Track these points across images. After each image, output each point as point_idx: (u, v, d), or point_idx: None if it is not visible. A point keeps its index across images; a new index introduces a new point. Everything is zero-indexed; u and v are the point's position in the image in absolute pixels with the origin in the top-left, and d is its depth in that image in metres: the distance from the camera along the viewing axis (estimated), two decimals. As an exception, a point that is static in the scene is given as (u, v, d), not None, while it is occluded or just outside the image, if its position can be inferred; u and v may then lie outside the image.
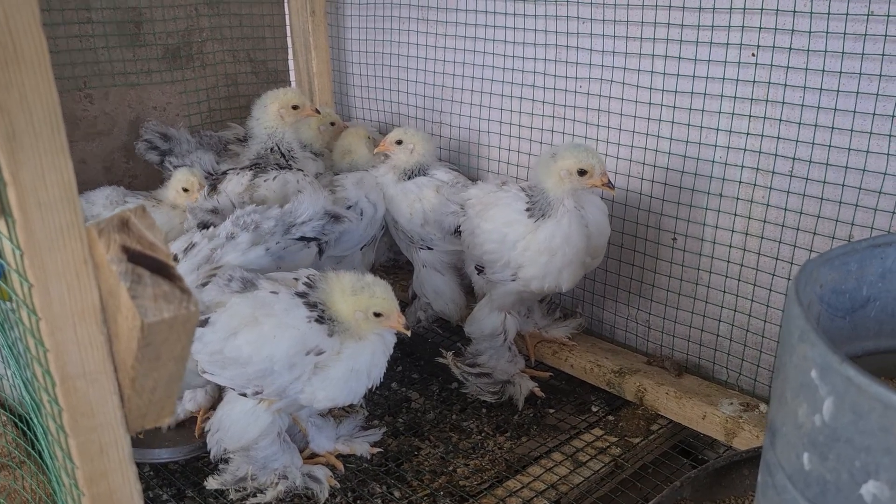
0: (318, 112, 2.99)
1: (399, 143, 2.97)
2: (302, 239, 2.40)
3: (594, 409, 2.76)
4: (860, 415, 1.03)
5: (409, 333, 2.15)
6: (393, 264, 3.56)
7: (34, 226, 1.05)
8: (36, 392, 1.28)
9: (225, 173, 2.83)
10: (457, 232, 2.84)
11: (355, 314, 2.09)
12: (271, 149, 2.89)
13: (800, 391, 1.17)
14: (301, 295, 2.11)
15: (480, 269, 2.74)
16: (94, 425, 1.16)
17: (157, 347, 1.09)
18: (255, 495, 2.26)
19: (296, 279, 2.17)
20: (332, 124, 3.40)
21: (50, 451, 1.35)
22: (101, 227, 1.10)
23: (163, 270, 1.10)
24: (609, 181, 2.41)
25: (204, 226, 2.43)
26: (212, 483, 2.29)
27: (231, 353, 2.04)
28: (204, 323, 2.05)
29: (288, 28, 3.77)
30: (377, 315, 2.10)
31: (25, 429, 1.89)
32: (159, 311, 1.06)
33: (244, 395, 2.14)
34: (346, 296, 2.09)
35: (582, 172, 2.40)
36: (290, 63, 3.86)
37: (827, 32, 2.18)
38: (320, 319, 2.08)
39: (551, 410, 2.76)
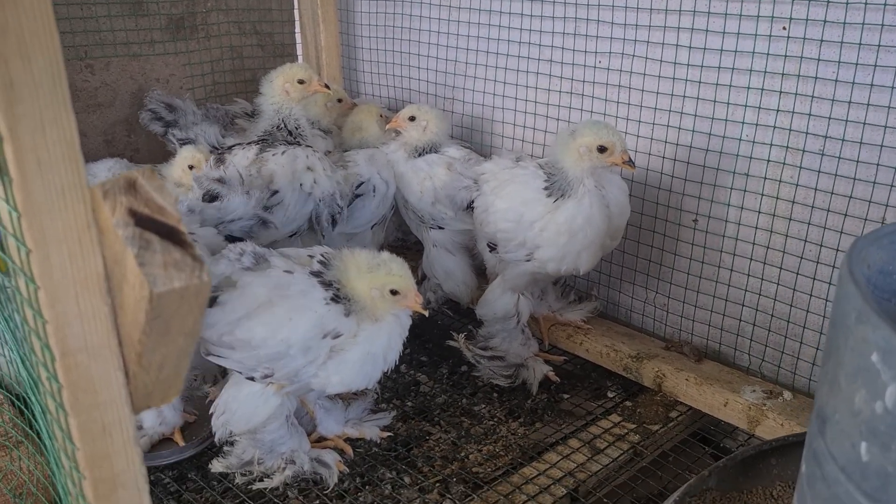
0: (327, 87, 2.86)
1: (412, 119, 2.88)
2: (229, 238, 2.28)
3: (610, 394, 2.67)
4: (932, 401, 0.95)
5: (426, 313, 2.08)
6: (402, 244, 3.47)
7: (33, 186, 0.96)
8: (34, 368, 1.19)
9: (230, 148, 2.73)
10: (469, 207, 2.75)
11: (371, 292, 2.01)
12: (278, 126, 2.78)
13: (857, 376, 1.09)
14: (316, 274, 2.03)
15: (493, 247, 2.64)
16: (96, 403, 1.07)
17: (167, 320, 1.01)
18: (261, 480, 2.18)
19: (310, 256, 2.09)
20: (340, 101, 3.31)
21: (49, 432, 1.26)
22: (106, 189, 1.02)
23: (173, 236, 1.01)
24: (630, 159, 2.32)
25: (210, 197, 2.34)
26: (216, 466, 2.21)
27: (243, 335, 1.95)
28: (212, 302, 1.96)
29: (295, 0, 3.66)
30: (393, 293, 2.02)
31: (23, 408, 1.82)
32: (170, 280, 0.97)
33: (251, 378, 2.05)
34: (362, 273, 2.02)
35: (602, 149, 2.31)
36: (298, 36, 3.75)
37: (865, 4, 2.08)
38: (336, 299, 2.00)
39: (566, 395, 2.68)
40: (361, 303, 2.02)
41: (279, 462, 2.18)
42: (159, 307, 0.98)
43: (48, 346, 1.04)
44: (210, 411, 2.19)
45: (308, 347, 1.98)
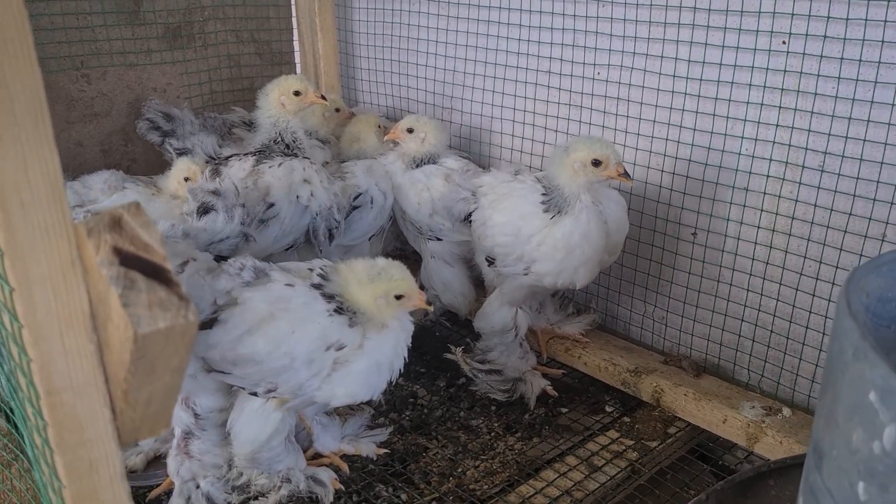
0: (323, 99, 2.84)
1: (410, 131, 2.86)
2: (218, 258, 2.27)
3: (608, 409, 2.66)
4: (930, 445, 0.93)
5: (431, 309, 2.12)
6: (400, 254, 3.45)
7: (16, 225, 0.95)
8: (21, 404, 1.18)
9: (227, 159, 2.71)
10: (467, 219, 2.73)
11: (376, 301, 2.01)
12: (275, 140, 2.75)
13: (854, 413, 1.07)
14: (317, 286, 2.02)
15: (491, 261, 2.63)
16: (82, 441, 1.06)
17: (152, 360, 0.99)
18: (256, 498, 2.16)
19: (310, 270, 2.08)
20: (338, 110, 3.29)
21: (37, 467, 1.25)
22: (90, 226, 1.00)
23: (159, 275, 0.99)
24: (625, 171, 2.31)
25: (204, 209, 2.32)
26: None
27: (245, 350, 1.94)
28: (211, 323, 1.95)
29: (293, 8, 3.64)
30: (398, 297, 2.02)
31: (13, 430, 1.80)
32: (154, 321, 0.95)
33: (254, 393, 2.03)
34: (364, 284, 2.01)
35: (596, 163, 2.31)
36: (296, 44, 3.73)
37: (866, 20, 2.06)
38: (339, 311, 1.99)
39: (564, 410, 2.66)
40: (366, 313, 2.02)
41: (275, 480, 2.16)
42: (144, 348, 0.96)
43: (33, 384, 1.03)
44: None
45: (311, 360, 1.96)
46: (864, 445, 1.04)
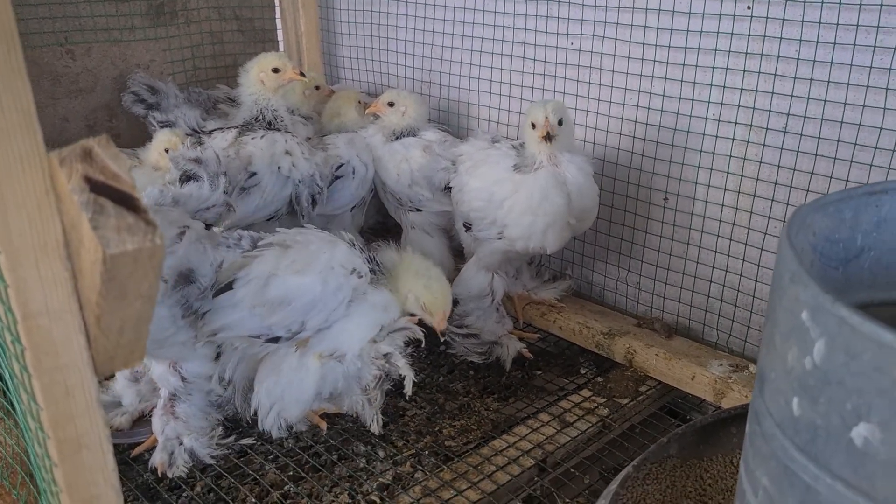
0: (302, 75, 2.88)
1: (391, 105, 2.92)
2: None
3: (583, 370, 2.73)
4: (853, 355, 1.00)
5: (441, 339, 2.43)
6: (381, 226, 3.51)
7: (-9, 153, 1.00)
8: (0, 333, 1.23)
9: (211, 132, 2.77)
10: (447, 188, 2.79)
11: (408, 294, 2.21)
12: (256, 117, 2.80)
13: (790, 334, 1.13)
14: (351, 244, 2.21)
15: (468, 227, 2.69)
16: (58, 365, 1.11)
17: (122, 282, 1.05)
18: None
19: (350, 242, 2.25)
20: (318, 88, 3.34)
21: (16, 395, 1.31)
22: (62, 156, 1.05)
23: (127, 202, 1.05)
24: (546, 134, 2.36)
25: (187, 176, 2.37)
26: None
27: (276, 292, 2.02)
28: (229, 286, 2.02)
29: (275, -15, 3.69)
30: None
31: (3, 386, 1.85)
32: (122, 243, 1.01)
33: (275, 340, 2.10)
34: (412, 274, 2.23)
35: (533, 126, 2.40)
36: (278, 22, 3.78)
37: (824, -17, 2.12)
38: (372, 271, 2.20)
39: (539, 372, 2.73)
40: (395, 294, 2.22)
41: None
42: (113, 269, 1.01)
43: (10, 310, 1.08)
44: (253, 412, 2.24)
45: (339, 285, 2.08)
46: (798, 363, 1.10)
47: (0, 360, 1.38)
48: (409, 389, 2.23)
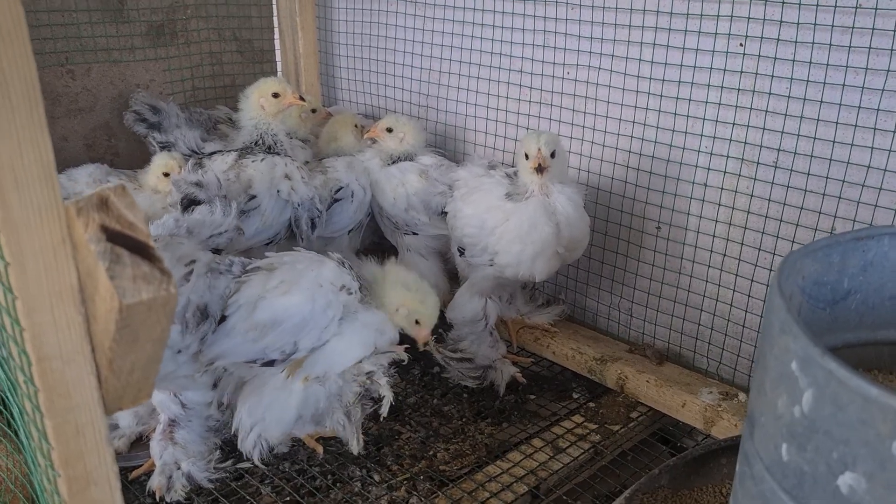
0: (302, 100, 2.91)
1: (390, 130, 2.97)
2: (215, 251, 2.35)
3: (575, 395, 2.77)
4: (840, 407, 1.03)
5: (422, 347, 2.34)
6: (377, 247, 3.54)
7: (11, 204, 1.03)
8: (12, 371, 1.26)
9: (211, 155, 2.80)
10: (443, 213, 2.84)
11: (398, 309, 2.20)
12: (256, 142, 2.83)
13: (780, 382, 1.17)
14: (341, 263, 2.19)
15: (462, 251, 2.74)
16: (70, 406, 1.14)
17: (135, 329, 1.08)
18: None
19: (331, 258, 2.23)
20: (314, 111, 3.37)
21: (26, 431, 1.33)
22: (79, 206, 1.09)
23: (142, 251, 1.08)
24: (537, 165, 2.40)
25: (189, 200, 2.40)
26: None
27: (264, 314, 2.02)
28: (222, 320, 2.03)
29: (275, 7, 3.72)
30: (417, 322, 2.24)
31: (2, 408, 1.87)
32: (138, 293, 1.04)
33: (270, 363, 2.10)
34: (400, 287, 2.21)
35: (526, 157, 2.44)
36: (277, 43, 3.82)
37: (815, 24, 2.18)
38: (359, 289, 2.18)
39: (532, 396, 2.77)
40: (377, 301, 2.20)
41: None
42: (128, 317, 1.05)
43: (25, 352, 1.12)
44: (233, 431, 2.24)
45: (329, 303, 2.08)
46: (787, 410, 1.14)
47: (10, 396, 1.41)
48: (385, 411, 2.22)
